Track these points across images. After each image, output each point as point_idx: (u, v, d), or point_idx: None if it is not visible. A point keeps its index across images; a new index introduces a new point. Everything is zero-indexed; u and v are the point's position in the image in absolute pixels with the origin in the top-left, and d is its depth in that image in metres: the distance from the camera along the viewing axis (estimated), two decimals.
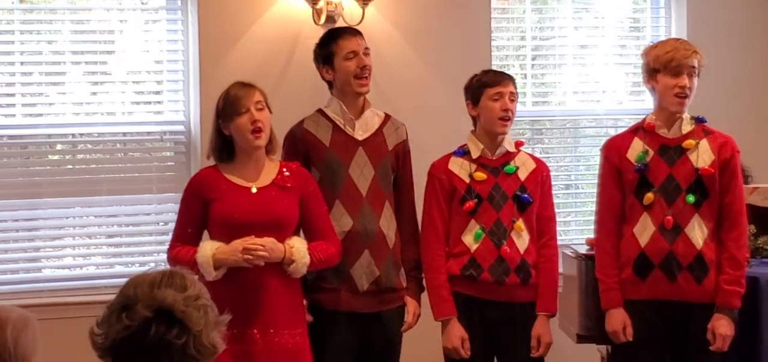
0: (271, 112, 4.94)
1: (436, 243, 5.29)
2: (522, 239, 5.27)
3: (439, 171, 5.34)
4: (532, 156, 5.50)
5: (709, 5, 7.40)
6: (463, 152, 5.34)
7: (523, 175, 5.32)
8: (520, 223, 5.27)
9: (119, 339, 2.92)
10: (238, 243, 4.72)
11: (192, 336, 2.93)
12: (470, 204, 5.23)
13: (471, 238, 5.23)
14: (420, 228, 5.38)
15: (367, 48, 5.28)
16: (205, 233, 4.99)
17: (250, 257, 4.71)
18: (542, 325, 5.30)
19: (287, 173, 4.94)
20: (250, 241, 4.72)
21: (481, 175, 5.27)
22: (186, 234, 4.94)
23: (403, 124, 5.44)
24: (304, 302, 5.13)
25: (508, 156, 5.34)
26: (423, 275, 5.38)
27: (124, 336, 2.91)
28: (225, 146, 4.92)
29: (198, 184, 4.98)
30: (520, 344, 5.29)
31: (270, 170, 4.94)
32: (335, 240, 5.04)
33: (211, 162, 5.02)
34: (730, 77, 7.21)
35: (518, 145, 5.44)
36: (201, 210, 4.90)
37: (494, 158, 5.31)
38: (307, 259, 4.84)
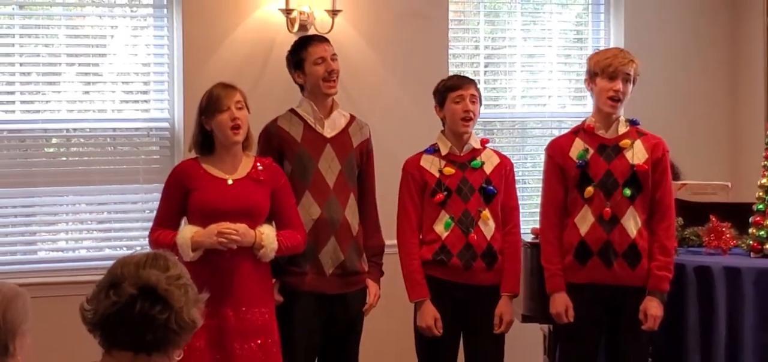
0: (249, 111, 4.95)
1: (410, 232, 5.30)
2: (488, 227, 5.29)
3: (412, 167, 5.35)
4: (496, 152, 5.51)
5: (644, 20, 7.44)
6: (433, 150, 5.36)
7: (488, 169, 5.33)
8: (486, 213, 5.28)
9: (107, 314, 2.92)
10: (214, 228, 4.73)
11: (174, 312, 2.93)
12: (440, 196, 5.25)
13: (442, 227, 5.25)
14: (396, 219, 5.38)
15: (334, 54, 5.28)
16: (184, 219, 4.99)
17: (223, 240, 4.73)
18: (505, 305, 5.32)
19: (261, 167, 4.95)
20: (225, 226, 4.73)
21: (449, 170, 5.28)
22: (166, 219, 4.95)
23: (367, 124, 5.44)
24: (275, 283, 5.14)
25: (475, 152, 5.36)
26: (387, 260, 5.40)
27: (112, 311, 2.91)
28: (205, 140, 4.93)
29: (179, 174, 4.98)
30: (484, 322, 5.31)
31: (245, 164, 4.94)
32: (302, 229, 5.05)
33: (192, 154, 5.02)
34: (662, 85, 7.26)
35: (484, 142, 5.45)
36: (181, 198, 4.90)
37: (462, 154, 5.33)
38: (275, 245, 4.86)
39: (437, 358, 5.33)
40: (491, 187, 5.30)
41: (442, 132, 5.39)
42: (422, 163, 5.33)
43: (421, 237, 5.31)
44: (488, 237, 5.27)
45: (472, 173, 5.30)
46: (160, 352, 2.95)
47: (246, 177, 4.91)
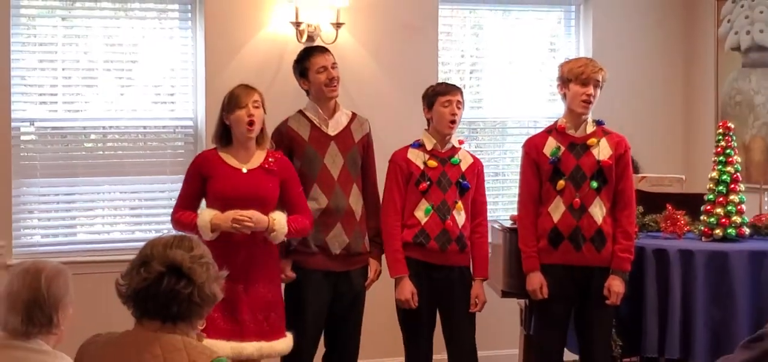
0: (265, 111, 4.95)
1: (394, 216, 5.30)
2: (461, 216, 5.30)
3: (399, 159, 5.35)
4: (470, 153, 5.52)
5: (609, 33, 7.44)
6: (418, 144, 5.36)
7: (464, 166, 5.34)
8: (460, 204, 5.29)
9: (138, 289, 2.93)
10: (231, 214, 4.73)
11: (196, 287, 2.94)
12: (424, 185, 5.25)
13: (422, 213, 5.25)
14: (381, 204, 5.39)
15: (334, 62, 5.28)
16: (203, 201, 4.99)
17: (238, 226, 4.73)
18: (478, 287, 5.36)
19: (272, 160, 4.95)
20: (240, 214, 4.73)
21: (433, 163, 5.29)
22: (187, 202, 4.96)
23: (367, 120, 5.44)
24: (289, 262, 5.14)
25: (453, 150, 5.36)
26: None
27: (142, 286, 2.92)
28: (225, 133, 4.94)
29: (199, 163, 4.99)
30: (459, 300, 5.32)
31: (259, 156, 4.94)
32: (309, 214, 5.05)
33: (213, 145, 5.03)
34: (624, 89, 7.25)
35: (460, 142, 5.45)
36: (200, 184, 4.91)
37: (443, 151, 5.33)
38: (285, 229, 4.86)
39: (417, 330, 5.34)
40: (466, 182, 5.32)
41: (427, 130, 5.39)
42: (409, 155, 5.33)
43: (402, 221, 5.31)
44: (460, 225, 5.29)
45: (451, 168, 5.31)
46: (185, 322, 2.96)
47: (259, 167, 4.91)
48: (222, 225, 4.75)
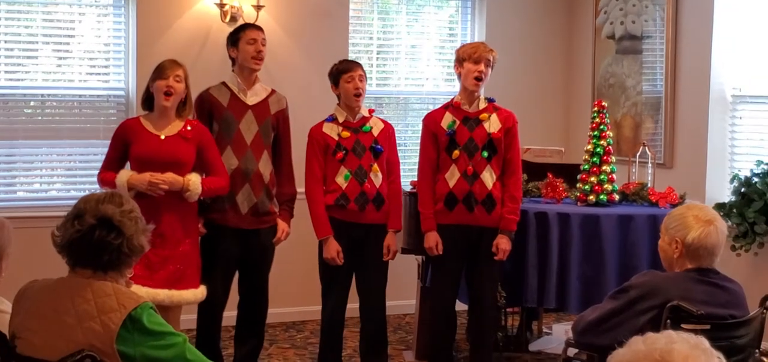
0: (188, 87, 4.90)
1: (316, 184, 5.26)
2: (378, 178, 5.29)
3: (316, 133, 5.31)
4: (381, 119, 5.51)
5: (501, 21, 7.52)
6: (332, 118, 5.33)
7: (375, 132, 5.32)
8: (375, 167, 5.28)
9: (72, 239, 2.91)
10: (147, 176, 4.71)
11: (126, 238, 2.93)
12: (340, 155, 5.23)
13: (342, 179, 5.22)
14: (304, 174, 5.34)
15: (264, 40, 5.27)
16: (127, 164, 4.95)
17: (152, 189, 4.71)
18: (391, 238, 5.35)
19: (189, 128, 4.91)
20: (155, 177, 4.71)
21: (346, 134, 5.27)
22: (111, 164, 4.90)
23: (284, 97, 5.41)
24: (201, 219, 5.12)
25: (364, 119, 5.34)
26: (298, 206, 5.40)
27: (76, 237, 2.90)
28: (149, 100, 4.90)
29: (122, 130, 4.94)
30: (373, 252, 5.32)
31: (176, 125, 4.89)
32: (225, 175, 5.03)
33: (139, 112, 4.97)
34: (512, 70, 7.34)
35: (371, 111, 5.46)
36: (123, 149, 4.87)
37: (355, 121, 5.32)
38: (199, 189, 4.84)
39: (337, 282, 5.34)
40: (379, 146, 5.31)
41: (338, 104, 5.38)
42: (324, 129, 5.31)
43: (325, 188, 5.32)
44: (377, 186, 5.28)
45: (364, 136, 5.30)
46: (115, 270, 2.95)
47: (176, 134, 4.86)
48: (137, 185, 4.71)
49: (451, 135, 5.23)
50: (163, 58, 5.02)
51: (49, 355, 2.78)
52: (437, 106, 5.58)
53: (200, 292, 4.92)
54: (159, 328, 2.85)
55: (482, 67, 5.17)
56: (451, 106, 5.32)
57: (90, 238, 2.88)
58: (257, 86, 5.29)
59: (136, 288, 4.52)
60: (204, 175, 4.94)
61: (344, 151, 5.25)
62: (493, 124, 5.23)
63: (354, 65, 5.37)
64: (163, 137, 4.84)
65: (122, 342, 2.78)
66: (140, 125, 4.87)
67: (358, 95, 5.28)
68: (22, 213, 6.24)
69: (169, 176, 4.75)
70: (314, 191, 5.27)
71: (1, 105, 6.42)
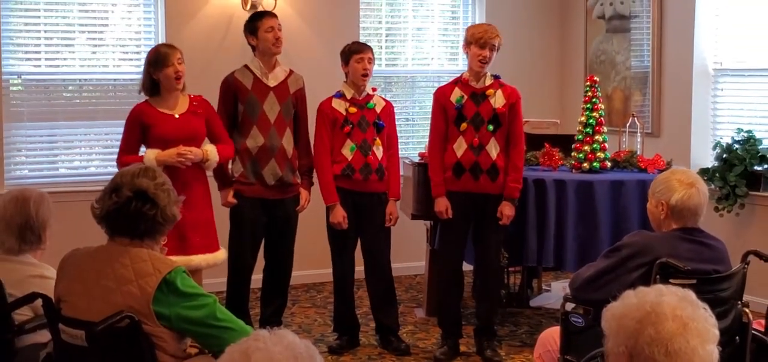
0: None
1: (325, 154, 5.27)
2: (379, 150, 5.30)
3: (325, 108, 5.32)
4: (382, 97, 5.52)
5: (501, 5, 7.49)
6: (340, 94, 5.33)
7: (378, 109, 5.34)
8: (378, 140, 5.30)
9: (110, 211, 2.93)
10: (174, 150, 4.71)
11: (159, 209, 2.94)
12: (347, 128, 5.25)
13: (348, 151, 5.24)
14: (314, 146, 5.38)
15: (280, 25, 5.26)
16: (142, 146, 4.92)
17: (182, 159, 4.71)
18: (392, 206, 5.38)
19: (196, 104, 4.91)
20: (183, 149, 4.72)
21: (353, 109, 5.28)
22: (130, 148, 4.87)
23: (301, 76, 5.41)
24: (231, 191, 5.16)
25: (368, 97, 5.35)
26: (314, 176, 5.40)
27: (114, 208, 2.92)
28: (153, 86, 4.84)
29: (137, 115, 4.87)
30: (376, 218, 5.34)
31: (184, 102, 4.88)
32: (231, 143, 5.06)
33: (143, 97, 4.93)
34: (513, 50, 7.30)
35: (374, 90, 5.46)
36: (140, 133, 4.83)
37: (360, 98, 5.33)
38: (217, 157, 4.87)
39: (345, 246, 5.37)
40: (381, 122, 5.33)
41: (345, 82, 5.38)
42: (333, 104, 5.31)
43: (332, 158, 5.31)
44: (379, 158, 5.30)
45: (368, 112, 5.31)
46: (150, 238, 2.97)
47: (187, 112, 4.86)
48: (167, 160, 4.69)
49: (459, 109, 5.21)
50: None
51: (91, 316, 2.80)
52: (444, 83, 5.58)
53: (221, 254, 4.95)
54: (191, 290, 2.86)
55: (486, 52, 5.15)
56: (459, 82, 5.29)
57: (127, 209, 2.90)
58: (278, 69, 5.29)
59: (173, 258, 4.57)
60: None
61: (351, 125, 5.26)
62: (498, 100, 5.21)
63: (365, 48, 5.36)
64: (177, 116, 4.83)
65: (158, 304, 2.80)
66: (154, 109, 4.83)
67: (365, 76, 5.29)
68: (63, 188, 6.27)
69: (193, 149, 4.77)
70: (323, 161, 5.29)
71: (42, 89, 6.43)
